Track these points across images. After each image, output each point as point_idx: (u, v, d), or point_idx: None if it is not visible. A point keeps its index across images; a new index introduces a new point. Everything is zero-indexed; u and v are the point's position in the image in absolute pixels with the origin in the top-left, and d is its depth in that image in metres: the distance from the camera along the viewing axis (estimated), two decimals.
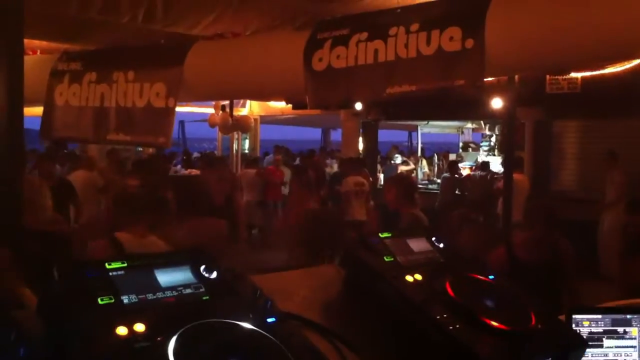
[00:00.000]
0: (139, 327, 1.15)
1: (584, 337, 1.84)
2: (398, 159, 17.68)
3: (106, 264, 1.27)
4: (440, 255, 1.79)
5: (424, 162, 18.52)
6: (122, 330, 1.13)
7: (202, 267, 1.37)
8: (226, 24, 6.45)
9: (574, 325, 1.90)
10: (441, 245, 1.84)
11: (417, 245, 1.79)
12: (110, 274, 1.26)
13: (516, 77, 8.53)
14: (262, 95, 10.06)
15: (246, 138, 18.20)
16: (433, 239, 1.84)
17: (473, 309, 1.54)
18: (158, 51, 7.08)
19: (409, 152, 20.81)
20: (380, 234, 1.76)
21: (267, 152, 19.35)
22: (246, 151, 18.07)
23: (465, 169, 15.68)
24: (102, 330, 1.14)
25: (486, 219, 11.15)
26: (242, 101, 15.44)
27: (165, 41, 6.96)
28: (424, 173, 17.91)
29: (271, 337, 1.24)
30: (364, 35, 5.65)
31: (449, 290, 1.59)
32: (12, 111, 4.39)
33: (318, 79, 5.92)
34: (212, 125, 14.97)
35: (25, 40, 7.79)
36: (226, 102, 14.24)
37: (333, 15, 6.06)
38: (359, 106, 11.20)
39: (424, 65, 5.32)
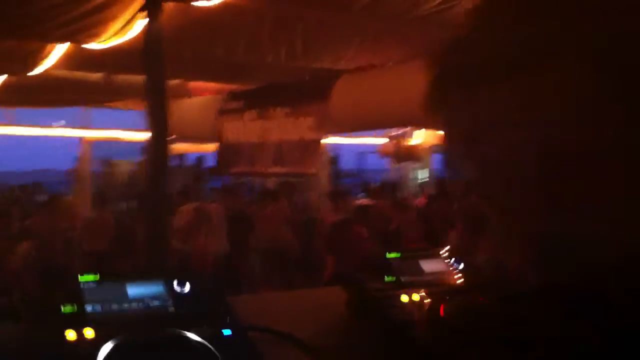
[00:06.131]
0: (88, 333, 1.28)
1: None
2: None
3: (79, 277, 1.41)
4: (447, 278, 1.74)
5: None
6: (70, 335, 1.27)
7: (175, 282, 1.47)
8: (367, 57, 6.61)
9: None
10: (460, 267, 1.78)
11: (429, 265, 1.76)
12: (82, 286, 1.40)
13: None
14: (409, 124, 10.10)
15: (420, 168, 18.10)
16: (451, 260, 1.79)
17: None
18: (306, 87, 7.47)
19: None
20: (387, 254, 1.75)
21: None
22: (419, 180, 17.96)
23: None
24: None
25: None
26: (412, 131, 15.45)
27: (310, 77, 7.29)
28: None
29: (209, 347, 1.30)
30: None
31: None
32: (158, 143, 4.89)
33: None
34: (383, 156, 15.12)
35: (193, 82, 8.54)
36: (398, 132, 14.31)
37: None
38: None
39: None
